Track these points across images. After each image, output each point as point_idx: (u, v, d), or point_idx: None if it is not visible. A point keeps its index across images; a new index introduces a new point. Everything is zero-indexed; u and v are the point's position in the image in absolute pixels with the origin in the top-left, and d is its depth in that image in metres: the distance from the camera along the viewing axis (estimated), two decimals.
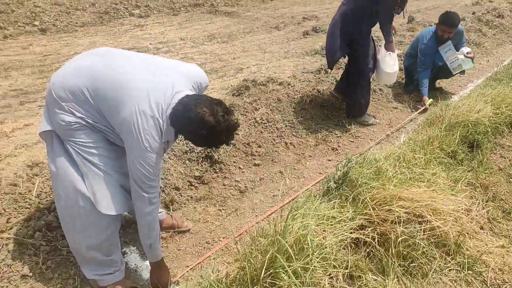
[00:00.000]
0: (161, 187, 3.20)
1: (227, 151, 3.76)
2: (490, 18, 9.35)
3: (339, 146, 4.25)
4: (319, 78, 5.49)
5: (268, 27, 9.07)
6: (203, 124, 2.05)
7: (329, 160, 3.98)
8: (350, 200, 2.41)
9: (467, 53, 5.21)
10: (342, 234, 2.12)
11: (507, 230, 2.72)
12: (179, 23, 9.03)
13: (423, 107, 4.98)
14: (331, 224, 2.23)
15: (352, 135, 4.46)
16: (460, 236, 2.36)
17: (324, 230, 2.18)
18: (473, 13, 10.61)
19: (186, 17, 9.69)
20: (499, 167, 3.32)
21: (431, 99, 5.09)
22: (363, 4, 4.11)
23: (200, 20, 9.49)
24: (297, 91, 4.99)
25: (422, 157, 2.91)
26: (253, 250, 1.95)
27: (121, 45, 7.11)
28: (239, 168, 3.70)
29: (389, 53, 4.44)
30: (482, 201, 2.88)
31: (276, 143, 4.12)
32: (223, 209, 3.18)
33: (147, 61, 2.27)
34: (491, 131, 3.56)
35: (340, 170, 2.62)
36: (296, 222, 2.02)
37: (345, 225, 2.21)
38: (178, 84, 2.18)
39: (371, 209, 2.28)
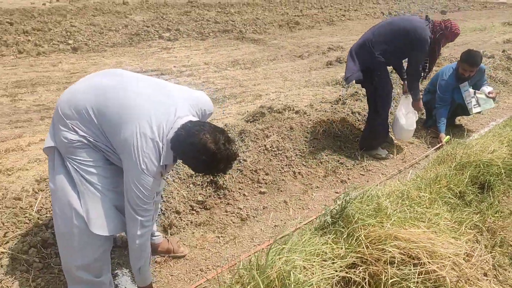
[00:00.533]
0: (161, 210, 3.19)
1: (233, 177, 3.74)
2: None
3: (348, 178, 4.16)
4: (335, 108, 5.45)
5: (292, 56, 9.13)
6: (205, 151, 2.06)
7: (337, 193, 3.90)
8: (345, 236, 2.33)
9: (489, 92, 5.08)
10: (331, 272, 2.04)
11: None
12: (206, 48, 9.21)
13: (439, 144, 4.85)
14: (323, 261, 2.15)
15: (363, 168, 4.37)
16: (459, 282, 2.24)
17: (313, 266, 2.11)
18: (503, 51, 10.41)
19: (213, 42, 9.88)
20: (510, 211, 3.17)
21: (448, 136, 4.96)
22: (387, 47, 4.15)
23: (226, 46, 9.65)
24: (311, 120, 4.96)
25: (427, 196, 2.81)
26: (233, 283, 1.89)
27: (146, 67, 7.28)
28: (244, 195, 3.67)
29: (408, 112, 4.59)
30: (489, 246, 2.74)
31: (284, 171, 4.08)
32: (221, 236, 3.14)
33: (154, 85, 2.31)
34: (505, 173, 3.42)
35: (338, 204, 2.55)
36: (282, 256, 1.96)
37: (335, 262, 2.13)
38: (181, 109, 2.20)
39: (365, 247, 2.20)
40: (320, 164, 4.31)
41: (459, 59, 4.95)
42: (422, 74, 4.28)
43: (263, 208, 3.54)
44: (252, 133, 4.34)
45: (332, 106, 5.60)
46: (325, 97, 6.34)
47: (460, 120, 5.78)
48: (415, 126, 4.67)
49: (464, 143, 3.81)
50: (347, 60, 4.48)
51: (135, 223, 2.18)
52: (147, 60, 7.74)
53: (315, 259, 2.12)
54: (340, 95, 6.08)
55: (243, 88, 6.66)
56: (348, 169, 4.32)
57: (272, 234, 3.18)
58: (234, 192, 3.63)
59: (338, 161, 4.41)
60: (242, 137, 4.24)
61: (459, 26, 4.18)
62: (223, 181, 3.60)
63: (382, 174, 4.30)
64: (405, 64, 4.47)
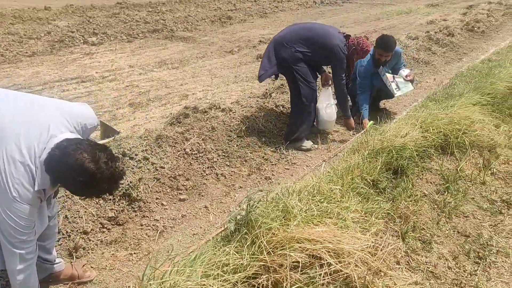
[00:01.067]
0: (67, 232, 2.94)
1: (149, 187, 3.53)
2: (441, 37, 9.45)
3: (273, 174, 4.06)
4: (261, 103, 5.34)
5: (222, 52, 8.94)
6: (82, 171, 1.84)
7: (261, 191, 3.78)
8: (248, 243, 2.20)
9: (406, 76, 5.13)
10: (228, 287, 1.90)
11: (425, 263, 2.55)
12: (132, 50, 8.84)
13: (364, 130, 4.85)
14: (223, 273, 2.01)
15: (288, 162, 4.29)
16: (367, 276, 2.17)
17: (215, 278, 1.97)
18: (427, 32, 10.73)
19: (140, 44, 9.51)
20: (424, 193, 3.17)
21: (371, 121, 4.96)
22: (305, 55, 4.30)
23: (154, 46, 9.32)
24: (234, 118, 4.83)
25: (337, 188, 2.74)
26: None
27: (66, 75, 6.86)
28: (162, 204, 3.47)
29: (328, 104, 4.71)
30: (401, 233, 2.71)
31: (206, 174, 3.91)
32: (135, 253, 2.93)
33: (27, 102, 2.06)
34: (419, 155, 3.43)
35: (243, 209, 2.42)
36: (167, 280, 1.80)
37: (236, 273, 2.00)
38: (55, 126, 1.97)
39: (266, 254, 2.08)
40: (244, 162, 4.19)
41: (374, 44, 4.97)
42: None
43: (182, 217, 3.36)
44: (171, 138, 4.13)
45: (257, 101, 5.48)
46: (254, 91, 6.22)
47: (385, 103, 5.84)
48: (335, 117, 4.82)
49: (378, 129, 3.80)
50: (263, 57, 4.43)
51: (13, 258, 1.95)
52: (67, 68, 7.30)
53: (214, 272, 1.98)
54: (266, 89, 5.98)
55: (169, 89, 6.42)
56: (272, 164, 4.22)
57: (190, 244, 3.01)
58: (150, 203, 3.42)
59: (263, 157, 4.30)
60: (159, 143, 4.02)
61: (370, 44, 4.68)
62: (137, 193, 3.38)
63: (307, 166, 4.23)
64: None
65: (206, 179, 3.86)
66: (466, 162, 3.68)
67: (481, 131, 3.98)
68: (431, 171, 3.45)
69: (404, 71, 5.16)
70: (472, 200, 3.28)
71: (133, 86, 6.50)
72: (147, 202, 3.40)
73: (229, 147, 4.31)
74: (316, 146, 4.61)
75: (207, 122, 4.61)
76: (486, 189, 3.48)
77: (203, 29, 11.37)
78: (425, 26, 12.40)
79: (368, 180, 2.97)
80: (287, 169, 4.19)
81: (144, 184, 3.50)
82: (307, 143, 4.57)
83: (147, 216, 3.30)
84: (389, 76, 5.01)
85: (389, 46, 4.76)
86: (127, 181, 3.39)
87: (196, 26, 11.82)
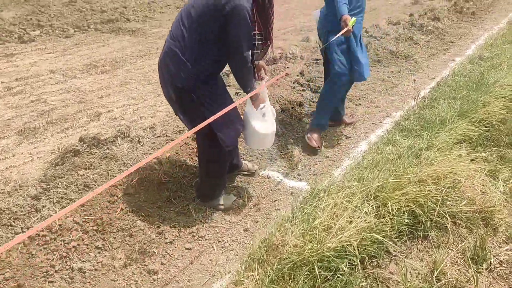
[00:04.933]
0: None
1: None
2: (425, 22, 7.81)
3: (163, 263, 2.59)
4: (182, 127, 3.86)
5: None
6: None
7: None
8: None
9: None
10: None
11: None
12: (64, 49, 7.21)
13: (345, 29, 3.08)
14: None
15: (193, 236, 2.82)
16: None
17: None
18: (411, 14, 9.09)
19: (78, 40, 7.86)
20: None
21: (354, 18, 3.16)
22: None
23: (93, 42, 7.69)
24: (134, 157, 3.35)
25: None
26: None
27: None
28: None
29: (263, 107, 2.73)
30: None
31: (53, 273, 2.44)
32: None
33: None
34: (370, 256, 1.97)
35: None
36: None
37: None
38: None
39: None
40: (126, 240, 2.72)
41: None
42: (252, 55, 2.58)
43: None
44: (8, 211, 2.66)
45: (178, 126, 3.99)
46: None
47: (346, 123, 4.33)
48: (274, 128, 2.83)
49: (305, 220, 2.24)
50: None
51: None
52: None
53: None
54: None
55: (83, 105, 4.88)
56: (167, 243, 2.75)
57: None
58: None
59: (157, 229, 2.82)
60: None
61: None
62: None
63: (219, 241, 2.77)
64: None
65: (50, 283, 2.39)
66: (447, 253, 2.22)
67: (471, 191, 2.50)
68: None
69: None
70: None
71: (39, 102, 4.96)
72: None
73: (108, 213, 2.84)
74: (241, 201, 3.13)
75: (91, 170, 3.14)
76: None
77: (159, 18, 9.70)
78: (409, 7, 10.75)
79: None
80: (188, 249, 2.72)
81: None
82: (227, 199, 3.09)
83: None
84: None
85: None
86: None
87: (154, 14, 10.14)
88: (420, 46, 6.75)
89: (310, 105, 4.61)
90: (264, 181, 3.43)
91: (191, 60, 2.44)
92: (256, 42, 2.51)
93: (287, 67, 5.66)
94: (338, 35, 3.08)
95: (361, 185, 2.33)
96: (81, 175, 3.11)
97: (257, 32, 2.47)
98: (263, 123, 2.73)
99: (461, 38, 7.41)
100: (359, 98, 4.84)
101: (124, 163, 3.33)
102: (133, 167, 1.81)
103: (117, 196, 2.95)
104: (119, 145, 3.68)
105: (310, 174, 3.50)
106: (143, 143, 3.71)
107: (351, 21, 3.11)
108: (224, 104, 2.49)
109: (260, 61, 2.80)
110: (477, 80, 3.94)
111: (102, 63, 6.38)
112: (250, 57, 2.50)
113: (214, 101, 2.59)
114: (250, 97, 2.65)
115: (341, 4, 3.18)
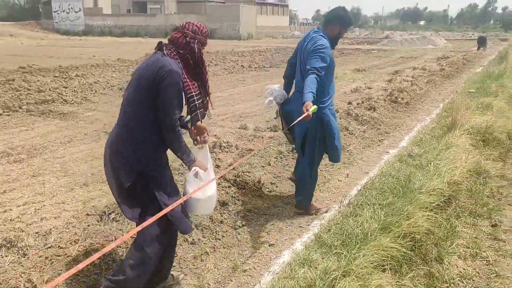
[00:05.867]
0: None
1: None
2: (361, 112, 7.92)
3: None
4: (90, 231, 3.31)
5: (103, 133, 6.91)
6: None
7: None
8: None
9: None
10: None
11: None
12: None
13: (305, 114, 3.18)
14: None
15: None
16: None
17: None
18: (349, 103, 9.29)
19: (1, 122, 7.30)
20: None
21: (315, 106, 3.31)
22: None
23: (17, 126, 7.13)
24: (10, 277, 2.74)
25: None
26: None
27: None
28: None
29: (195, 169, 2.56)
30: None
31: None
32: None
33: None
34: None
35: None
36: None
37: None
38: None
39: None
40: None
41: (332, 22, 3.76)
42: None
43: None
44: None
45: (87, 228, 3.44)
46: (98, 204, 4.18)
47: None
48: (211, 193, 2.65)
49: None
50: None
51: None
52: None
53: None
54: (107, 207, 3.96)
55: None
56: None
57: None
58: None
59: None
60: None
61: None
62: None
63: None
64: None
65: None
66: None
67: None
68: None
69: None
70: None
71: None
72: None
73: None
74: (182, 276, 2.58)
75: None
76: None
77: (96, 101, 9.36)
78: (349, 95, 11.06)
79: None
80: None
81: None
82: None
83: None
84: None
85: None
86: None
87: (94, 96, 9.82)
88: (356, 137, 6.71)
89: (235, 203, 4.22)
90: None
91: (143, 140, 2.47)
92: (196, 102, 2.57)
93: (218, 158, 5.34)
94: (298, 119, 3.19)
95: None
96: None
97: (193, 93, 2.54)
98: (197, 187, 2.48)
99: (396, 129, 7.51)
100: (288, 196, 4.52)
101: None
102: None
103: None
104: (1, 257, 3.08)
105: None
106: (29, 257, 3.12)
107: (312, 108, 3.26)
108: (177, 190, 2.64)
109: (202, 124, 2.76)
110: (404, 183, 3.74)
111: (18, 150, 5.81)
112: (178, 122, 2.50)
113: (169, 185, 2.61)
114: (183, 161, 2.61)
115: (307, 92, 3.33)
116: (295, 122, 3.31)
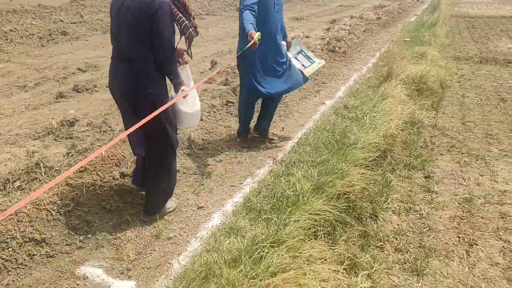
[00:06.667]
0: None
1: None
2: None
3: None
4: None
5: (13, 87, 6.07)
6: None
7: None
8: None
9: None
10: None
11: None
12: None
13: (252, 42, 3.41)
14: None
15: None
16: None
17: None
18: None
19: None
20: None
21: (259, 33, 3.49)
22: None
23: None
24: None
25: None
26: None
27: None
28: None
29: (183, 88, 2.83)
30: None
31: None
32: None
33: None
34: None
35: None
36: None
37: None
38: None
39: None
40: None
41: None
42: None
43: None
44: None
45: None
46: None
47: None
48: (199, 107, 3.06)
49: None
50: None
51: None
52: None
53: None
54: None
55: None
56: None
57: None
58: None
59: None
60: None
61: None
62: None
63: None
64: None
65: None
66: None
67: None
68: None
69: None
70: None
71: None
72: None
73: None
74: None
75: None
76: None
77: (11, 51, 8.26)
78: None
79: None
80: None
81: None
82: (172, 203, 3.18)
83: None
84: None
85: None
86: None
87: (8, 45, 8.67)
88: None
89: None
90: (78, 285, 2.52)
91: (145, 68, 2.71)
92: (186, 22, 2.79)
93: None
94: (246, 46, 3.40)
95: None
96: None
97: (180, 14, 2.76)
98: (184, 103, 2.91)
99: (333, 79, 7.31)
100: (221, 153, 4.19)
101: None
102: None
103: None
104: None
105: (143, 268, 2.67)
106: None
107: (256, 34, 3.45)
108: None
109: (180, 47, 2.94)
110: (339, 138, 3.53)
111: None
112: (174, 45, 2.76)
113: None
114: (173, 82, 2.81)
115: (247, 24, 3.57)
116: (244, 49, 3.50)
